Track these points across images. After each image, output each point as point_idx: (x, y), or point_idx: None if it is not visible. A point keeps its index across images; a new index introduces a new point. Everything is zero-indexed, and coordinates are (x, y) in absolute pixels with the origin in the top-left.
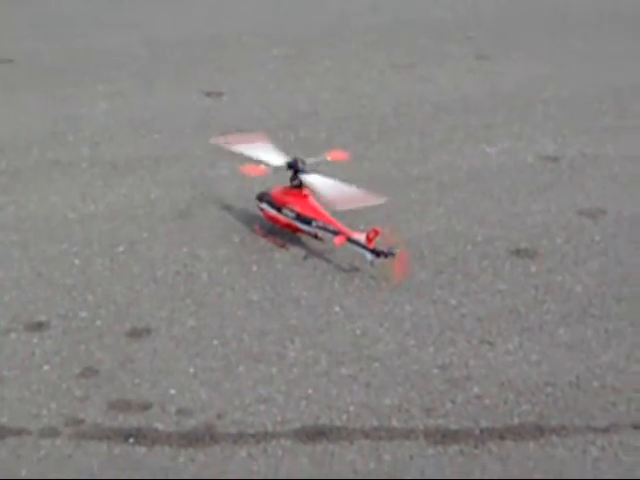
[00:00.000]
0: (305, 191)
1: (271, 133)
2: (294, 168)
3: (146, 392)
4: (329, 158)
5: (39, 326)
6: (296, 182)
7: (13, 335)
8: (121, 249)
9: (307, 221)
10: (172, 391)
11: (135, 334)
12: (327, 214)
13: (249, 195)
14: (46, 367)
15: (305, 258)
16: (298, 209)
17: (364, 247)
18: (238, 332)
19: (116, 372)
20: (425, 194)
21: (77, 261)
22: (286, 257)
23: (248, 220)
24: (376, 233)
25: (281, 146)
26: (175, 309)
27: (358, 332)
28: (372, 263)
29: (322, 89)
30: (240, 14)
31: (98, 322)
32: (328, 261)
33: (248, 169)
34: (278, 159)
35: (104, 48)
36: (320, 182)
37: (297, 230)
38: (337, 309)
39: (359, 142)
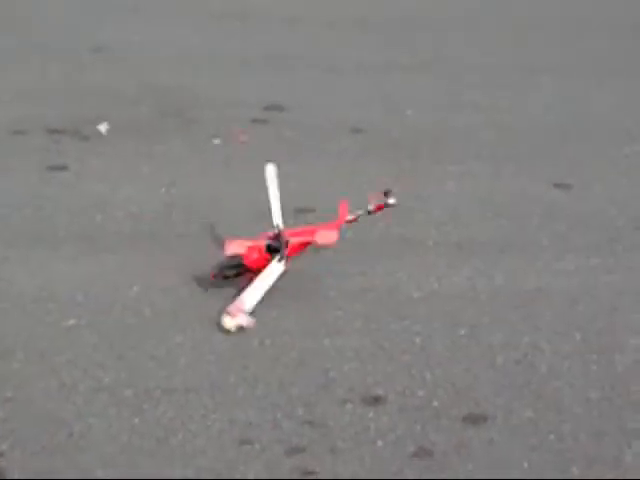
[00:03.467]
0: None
1: (617, 232)
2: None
3: None
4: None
5: (376, 400)
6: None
7: (349, 406)
8: (462, 332)
9: None
10: None
11: (471, 419)
12: None
13: (594, 292)
14: (380, 443)
15: None
16: None
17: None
18: (575, 430)
19: (450, 456)
20: None
21: (418, 339)
22: (628, 359)
23: (592, 317)
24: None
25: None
26: (513, 398)
27: None
28: None
29: None
30: (585, 106)
31: (435, 403)
32: None
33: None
34: None
35: (453, 127)
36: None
37: None
38: None
39: None
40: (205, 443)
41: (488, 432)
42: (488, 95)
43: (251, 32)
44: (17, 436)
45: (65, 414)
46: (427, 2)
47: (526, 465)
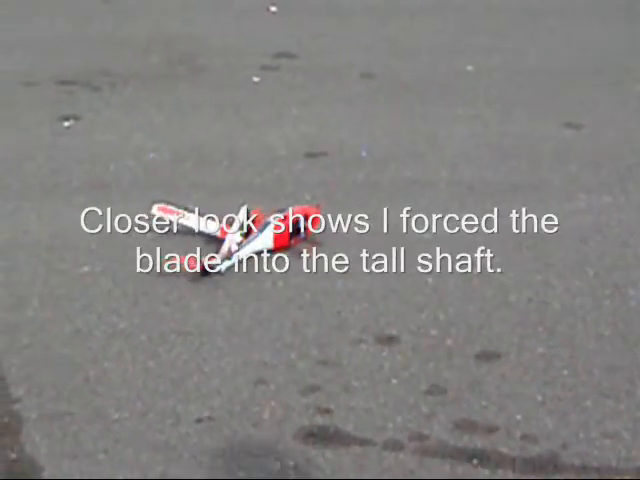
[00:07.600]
0: None
1: (629, 170)
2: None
3: (492, 415)
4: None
5: (389, 340)
6: None
7: (363, 346)
8: (475, 271)
9: None
10: (518, 417)
11: (484, 357)
12: None
13: (606, 230)
14: (394, 381)
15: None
16: None
17: None
18: (588, 365)
19: (463, 393)
20: None
21: (430, 279)
22: None
23: (603, 254)
24: None
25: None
26: (525, 335)
27: None
28: None
29: None
30: (593, 47)
31: (448, 341)
32: None
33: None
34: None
35: (462, 71)
36: None
37: None
38: None
39: None
40: (220, 384)
41: (501, 368)
42: (496, 38)
43: None
44: (34, 381)
45: (81, 359)
46: None
47: (540, 398)
